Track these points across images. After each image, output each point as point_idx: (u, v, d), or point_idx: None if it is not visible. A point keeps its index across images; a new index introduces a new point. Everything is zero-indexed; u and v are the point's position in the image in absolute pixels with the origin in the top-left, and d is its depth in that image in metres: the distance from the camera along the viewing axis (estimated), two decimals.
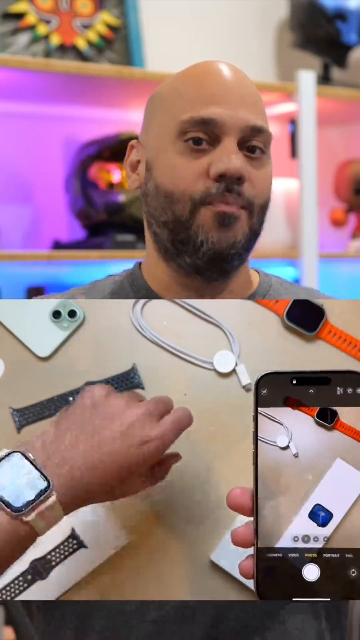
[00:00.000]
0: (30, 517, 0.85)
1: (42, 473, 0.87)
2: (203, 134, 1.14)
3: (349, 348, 1.13)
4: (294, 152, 2.52)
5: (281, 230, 2.53)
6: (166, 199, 1.16)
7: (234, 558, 1.06)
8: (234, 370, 1.13)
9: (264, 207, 1.19)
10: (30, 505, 0.85)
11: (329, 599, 0.75)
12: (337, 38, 2.72)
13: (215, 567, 1.08)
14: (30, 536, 0.86)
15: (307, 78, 2.51)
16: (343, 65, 2.79)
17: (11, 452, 0.88)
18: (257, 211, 1.17)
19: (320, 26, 2.69)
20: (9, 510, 0.85)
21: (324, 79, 2.74)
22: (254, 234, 1.18)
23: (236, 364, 1.13)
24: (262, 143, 1.17)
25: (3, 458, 0.88)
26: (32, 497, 0.86)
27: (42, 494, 0.86)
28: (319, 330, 1.14)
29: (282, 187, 2.55)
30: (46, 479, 0.87)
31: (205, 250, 1.14)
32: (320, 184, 2.56)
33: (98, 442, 0.90)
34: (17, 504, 0.85)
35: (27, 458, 0.87)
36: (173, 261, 1.18)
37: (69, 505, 0.88)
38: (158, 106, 1.20)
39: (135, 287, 1.23)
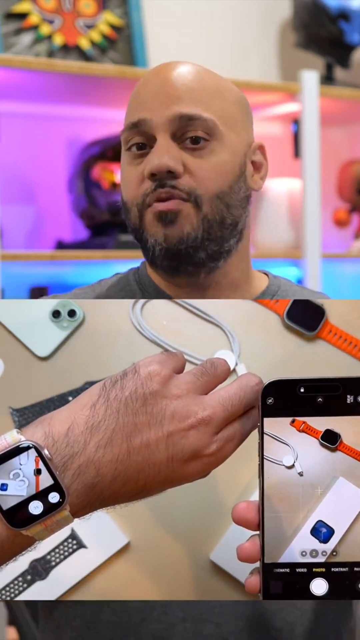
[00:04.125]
0: (32, 532, 0.72)
1: (57, 482, 0.72)
2: (141, 138, 1.16)
3: (349, 348, 1.13)
4: (297, 152, 2.52)
5: (284, 230, 2.53)
6: (124, 208, 1.21)
7: (234, 558, 1.05)
8: (234, 370, 1.13)
9: (220, 195, 1.17)
10: (35, 521, 0.72)
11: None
12: (340, 38, 2.72)
13: (215, 567, 1.07)
14: (30, 544, 0.74)
15: (310, 78, 2.51)
16: (346, 65, 2.79)
17: (22, 444, 0.72)
18: (209, 201, 1.16)
19: (323, 26, 2.68)
20: (5, 522, 0.71)
21: (327, 79, 2.74)
22: (213, 224, 1.17)
23: (236, 364, 1.13)
24: (201, 131, 1.15)
25: (10, 451, 0.72)
26: (39, 513, 0.71)
27: (52, 510, 0.72)
28: (320, 329, 1.14)
29: (285, 187, 2.55)
30: (61, 490, 0.72)
31: (158, 251, 1.16)
32: (323, 184, 2.56)
33: (138, 446, 0.74)
34: (18, 517, 0.71)
35: (42, 456, 0.72)
36: (153, 265, 1.21)
37: (81, 512, 0.75)
38: None
39: (141, 285, 1.26)
